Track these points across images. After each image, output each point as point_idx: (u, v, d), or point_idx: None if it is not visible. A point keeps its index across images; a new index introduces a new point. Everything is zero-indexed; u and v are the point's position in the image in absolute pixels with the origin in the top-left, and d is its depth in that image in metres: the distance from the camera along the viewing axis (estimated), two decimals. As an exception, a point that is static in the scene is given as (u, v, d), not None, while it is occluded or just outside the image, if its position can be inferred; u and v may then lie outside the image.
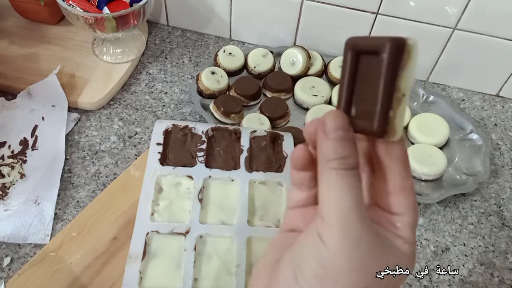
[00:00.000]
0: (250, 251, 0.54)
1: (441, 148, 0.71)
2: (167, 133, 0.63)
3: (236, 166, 0.61)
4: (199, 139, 0.63)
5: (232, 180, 0.60)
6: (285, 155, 0.63)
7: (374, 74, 0.26)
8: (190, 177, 0.59)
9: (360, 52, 0.28)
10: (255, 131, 0.65)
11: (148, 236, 0.54)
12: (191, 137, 0.64)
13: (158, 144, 0.62)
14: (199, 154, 0.62)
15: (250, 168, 0.61)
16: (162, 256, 0.53)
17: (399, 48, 0.25)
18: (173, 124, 0.64)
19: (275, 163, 0.62)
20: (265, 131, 0.65)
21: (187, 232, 0.54)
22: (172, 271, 0.52)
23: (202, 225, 0.55)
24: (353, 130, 0.28)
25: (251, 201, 0.58)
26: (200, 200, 0.57)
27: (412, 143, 0.73)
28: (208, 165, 0.61)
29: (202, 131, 0.64)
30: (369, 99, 0.26)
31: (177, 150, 0.62)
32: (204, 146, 0.62)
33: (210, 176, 0.60)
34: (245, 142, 0.63)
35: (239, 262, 0.53)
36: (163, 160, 0.61)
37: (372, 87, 0.26)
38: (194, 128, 0.64)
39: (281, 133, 0.65)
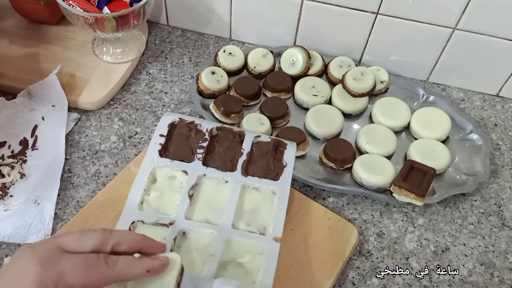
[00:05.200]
0: (229, 248, 0.54)
1: (443, 141, 0.72)
2: (172, 126, 0.64)
3: (232, 168, 0.61)
4: (202, 136, 0.63)
5: (226, 182, 0.60)
6: (284, 163, 0.62)
7: (420, 177, 0.64)
8: (186, 172, 0.60)
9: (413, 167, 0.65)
10: (259, 136, 0.64)
11: (133, 225, 0.54)
12: (195, 133, 0.64)
13: (161, 135, 0.63)
14: (199, 151, 0.62)
15: (246, 172, 0.61)
16: None
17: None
18: (180, 118, 0.65)
19: (272, 170, 0.62)
20: (270, 137, 0.64)
21: (170, 224, 0.55)
22: None
23: (187, 221, 0.56)
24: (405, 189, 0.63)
25: (240, 205, 0.58)
26: (190, 196, 0.58)
27: (415, 138, 0.73)
28: (205, 163, 0.61)
29: (207, 129, 0.64)
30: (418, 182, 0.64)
31: (178, 144, 0.63)
32: (205, 144, 0.62)
33: (204, 174, 0.60)
34: (246, 146, 0.63)
35: (214, 253, 0.53)
36: (163, 152, 0.61)
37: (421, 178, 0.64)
38: (200, 124, 0.64)
39: (285, 141, 0.64)
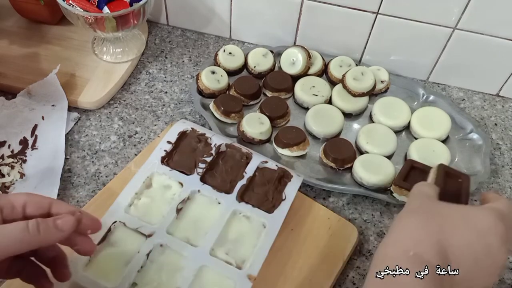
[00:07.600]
0: (198, 280, 0.51)
1: (443, 141, 0.72)
2: (182, 135, 0.63)
3: (229, 190, 0.58)
4: (208, 151, 0.61)
5: (219, 203, 0.57)
6: (284, 197, 0.58)
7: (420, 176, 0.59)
8: (182, 184, 0.58)
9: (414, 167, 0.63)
10: (267, 162, 0.61)
11: (114, 224, 0.53)
12: (203, 146, 0.62)
13: (169, 142, 0.61)
14: (201, 165, 0.60)
15: (241, 197, 0.58)
16: (117, 248, 0.52)
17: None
18: (192, 128, 0.63)
19: (269, 201, 0.58)
20: (277, 165, 0.61)
21: (149, 235, 0.53)
22: (119, 267, 0.51)
23: (167, 235, 0.54)
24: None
25: (226, 231, 0.55)
26: (178, 210, 0.56)
27: (416, 138, 0.73)
28: (203, 179, 0.59)
29: (215, 144, 0.62)
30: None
31: (184, 154, 0.61)
32: (209, 159, 0.60)
33: (199, 191, 0.58)
34: (250, 170, 0.60)
35: (180, 286, 0.50)
36: (165, 159, 0.60)
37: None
38: (211, 138, 0.62)
39: (292, 173, 0.61)
